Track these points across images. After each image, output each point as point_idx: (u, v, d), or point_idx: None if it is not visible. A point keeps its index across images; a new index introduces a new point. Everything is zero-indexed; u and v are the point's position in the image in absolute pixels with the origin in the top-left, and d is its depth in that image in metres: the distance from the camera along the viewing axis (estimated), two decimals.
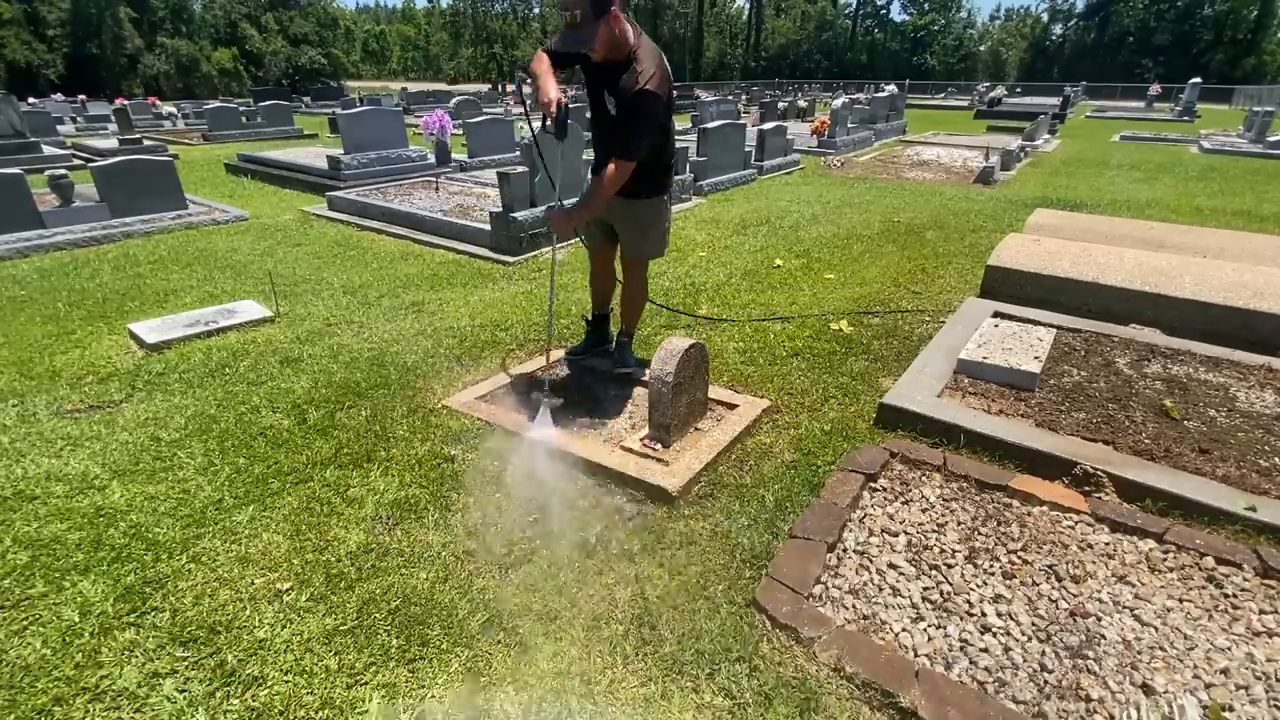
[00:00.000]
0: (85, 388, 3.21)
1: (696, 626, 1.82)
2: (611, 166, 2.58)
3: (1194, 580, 1.93)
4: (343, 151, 8.47)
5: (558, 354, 3.44)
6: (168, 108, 20.03)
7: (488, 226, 5.62)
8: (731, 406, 2.93)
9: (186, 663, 1.72)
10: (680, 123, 12.44)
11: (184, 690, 1.64)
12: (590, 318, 3.43)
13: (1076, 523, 2.17)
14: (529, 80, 2.68)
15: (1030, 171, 10.19)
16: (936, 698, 1.55)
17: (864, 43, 58.34)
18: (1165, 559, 2.00)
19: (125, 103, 18.47)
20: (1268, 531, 2.08)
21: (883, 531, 2.15)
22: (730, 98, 24.06)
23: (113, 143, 12.05)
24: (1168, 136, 15.31)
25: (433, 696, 1.63)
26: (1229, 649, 1.69)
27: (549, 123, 2.53)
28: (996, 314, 3.71)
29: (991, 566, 1.99)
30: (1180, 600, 1.86)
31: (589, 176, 2.94)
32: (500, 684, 1.66)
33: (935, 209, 7.17)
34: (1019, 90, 37.08)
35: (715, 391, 3.00)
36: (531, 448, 2.55)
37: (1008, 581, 1.93)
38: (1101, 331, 3.51)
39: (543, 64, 2.62)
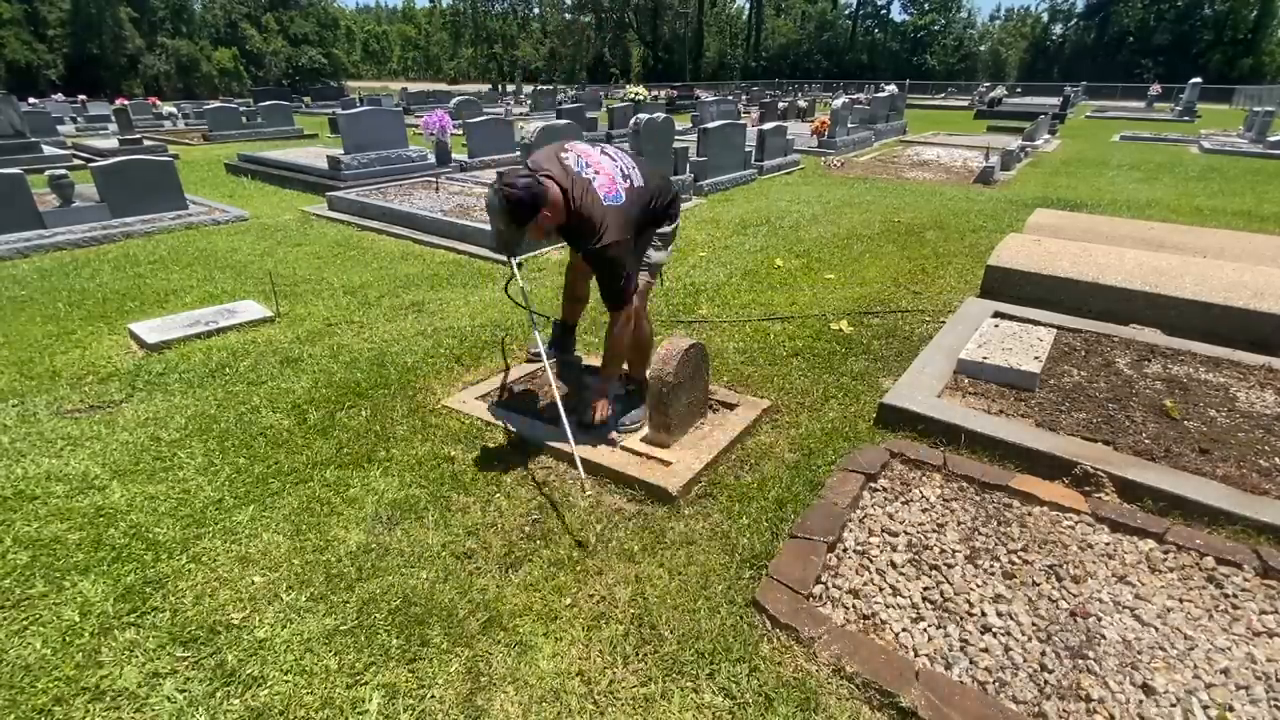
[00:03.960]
0: (85, 388, 3.21)
1: (696, 626, 1.82)
2: (615, 319, 2.57)
3: (1194, 580, 1.93)
4: (343, 151, 8.46)
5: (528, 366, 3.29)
6: (168, 108, 20.02)
7: (488, 226, 5.61)
8: (731, 406, 2.93)
9: (186, 663, 1.72)
10: (680, 123, 12.44)
11: (184, 690, 1.64)
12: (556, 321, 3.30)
13: (1077, 523, 2.17)
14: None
15: (1030, 171, 10.19)
16: (936, 698, 1.55)
17: (864, 43, 58.33)
18: (1165, 559, 2.00)
19: (125, 103, 18.46)
20: (1268, 531, 2.08)
21: (883, 531, 2.14)
22: (730, 98, 24.06)
23: (113, 143, 12.05)
24: (1168, 136, 15.30)
25: (433, 696, 1.63)
26: (1229, 649, 1.69)
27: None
28: (997, 314, 3.71)
29: (992, 566, 1.99)
30: (1180, 600, 1.85)
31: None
32: (500, 684, 1.66)
33: (935, 209, 7.17)
34: (1019, 90, 37.07)
35: (715, 391, 3.00)
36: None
37: (1008, 581, 1.93)
38: (1102, 331, 3.50)
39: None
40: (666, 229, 2.75)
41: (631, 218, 2.48)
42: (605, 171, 2.48)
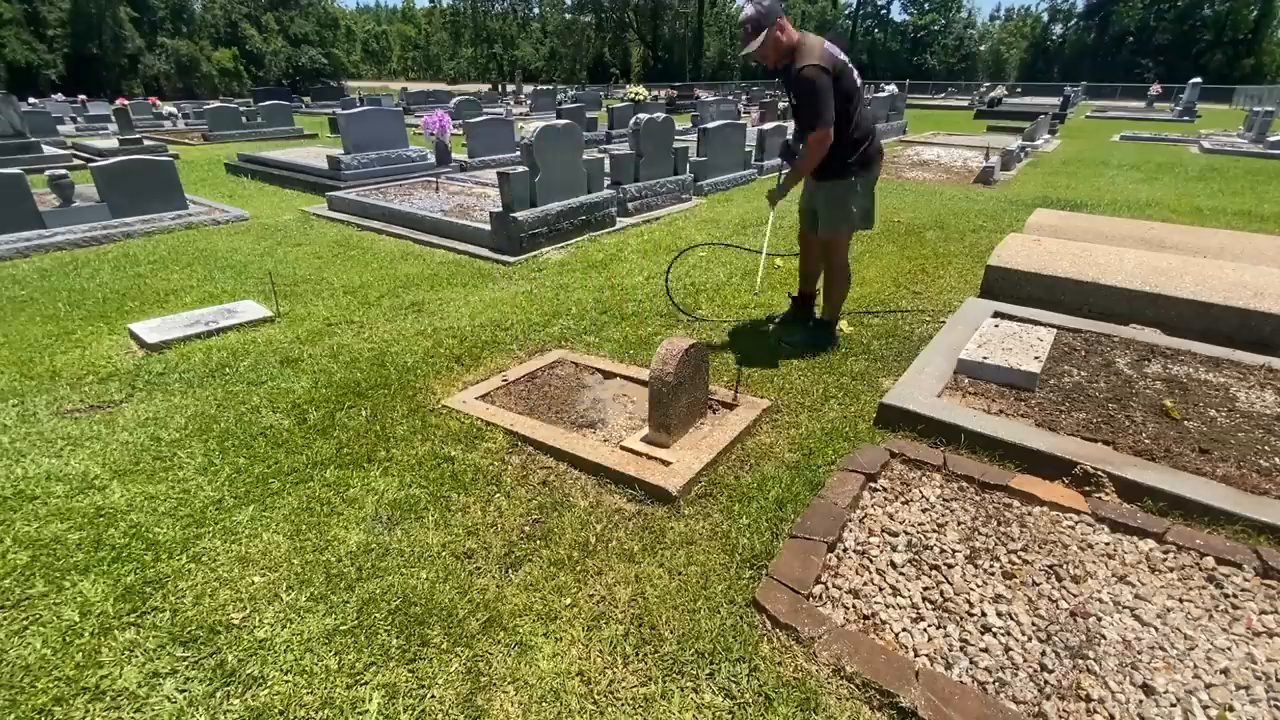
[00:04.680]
0: (85, 388, 3.21)
1: (696, 626, 1.82)
2: (809, 139, 3.10)
3: (1194, 580, 1.92)
4: (343, 151, 8.47)
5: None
6: (168, 108, 20.03)
7: (488, 226, 5.62)
8: (731, 406, 2.93)
9: (186, 663, 1.72)
10: (680, 123, 12.44)
11: (184, 690, 1.64)
12: (794, 295, 3.95)
13: (1077, 523, 2.17)
14: None
15: (1030, 171, 10.19)
16: (937, 698, 1.55)
17: (864, 42, 58.30)
18: (1165, 559, 2.00)
19: (125, 103, 18.46)
20: (1268, 531, 2.08)
21: (883, 531, 2.14)
22: (730, 98, 24.06)
23: (113, 143, 12.05)
24: (1168, 136, 15.30)
25: (433, 696, 1.63)
26: (1229, 649, 1.69)
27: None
28: (997, 314, 3.71)
29: (992, 566, 1.99)
30: (1180, 600, 1.85)
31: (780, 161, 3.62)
32: (500, 684, 1.66)
33: (935, 209, 7.17)
34: (1019, 90, 37.05)
35: (715, 391, 3.00)
36: None
37: (1008, 581, 1.93)
38: (1102, 331, 3.50)
39: None
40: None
41: (836, 69, 3.04)
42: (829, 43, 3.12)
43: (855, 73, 3.19)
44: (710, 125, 8.65)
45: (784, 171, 3.49)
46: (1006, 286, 4.08)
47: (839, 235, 3.44)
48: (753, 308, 4.26)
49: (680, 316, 4.10)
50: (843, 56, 3.12)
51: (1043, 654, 1.69)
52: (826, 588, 1.94)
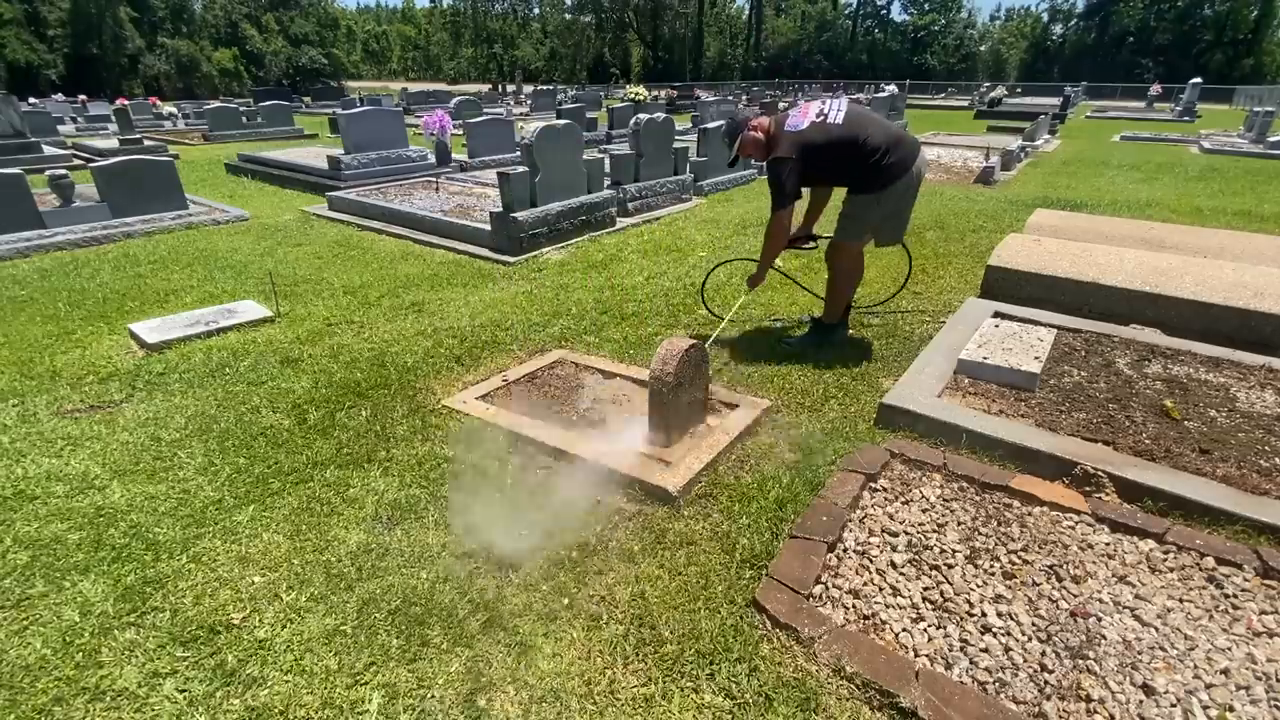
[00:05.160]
0: (85, 388, 3.21)
1: (696, 626, 1.81)
2: (769, 221, 3.33)
3: (1194, 580, 1.92)
4: (343, 152, 8.47)
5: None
6: (168, 108, 20.04)
7: (488, 226, 5.62)
8: (732, 406, 2.93)
9: (186, 663, 1.72)
10: (680, 123, 12.44)
11: (184, 690, 1.64)
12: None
13: (1077, 523, 2.17)
14: None
15: (1030, 172, 10.19)
16: (937, 698, 1.55)
17: (864, 43, 58.31)
18: (1166, 559, 2.00)
19: (125, 103, 18.47)
20: (1268, 531, 2.08)
21: (883, 531, 2.14)
22: (730, 98, 24.07)
23: (113, 143, 12.05)
24: (1168, 137, 15.29)
25: (433, 696, 1.63)
26: (1229, 649, 1.69)
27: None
28: (997, 314, 3.71)
29: (992, 567, 1.99)
30: (1181, 600, 1.85)
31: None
32: (500, 684, 1.66)
33: (935, 209, 7.17)
34: (1019, 90, 37.04)
35: (715, 391, 3.00)
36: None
37: (1008, 582, 1.93)
38: (1102, 331, 3.50)
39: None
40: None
41: (807, 140, 3.16)
42: (803, 107, 3.27)
43: (841, 113, 3.19)
44: (710, 125, 8.65)
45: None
46: (1007, 286, 4.08)
47: (848, 242, 3.45)
48: (753, 306, 4.26)
49: (680, 315, 4.10)
50: (833, 116, 3.18)
51: (1043, 654, 1.69)
52: (826, 588, 1.94)
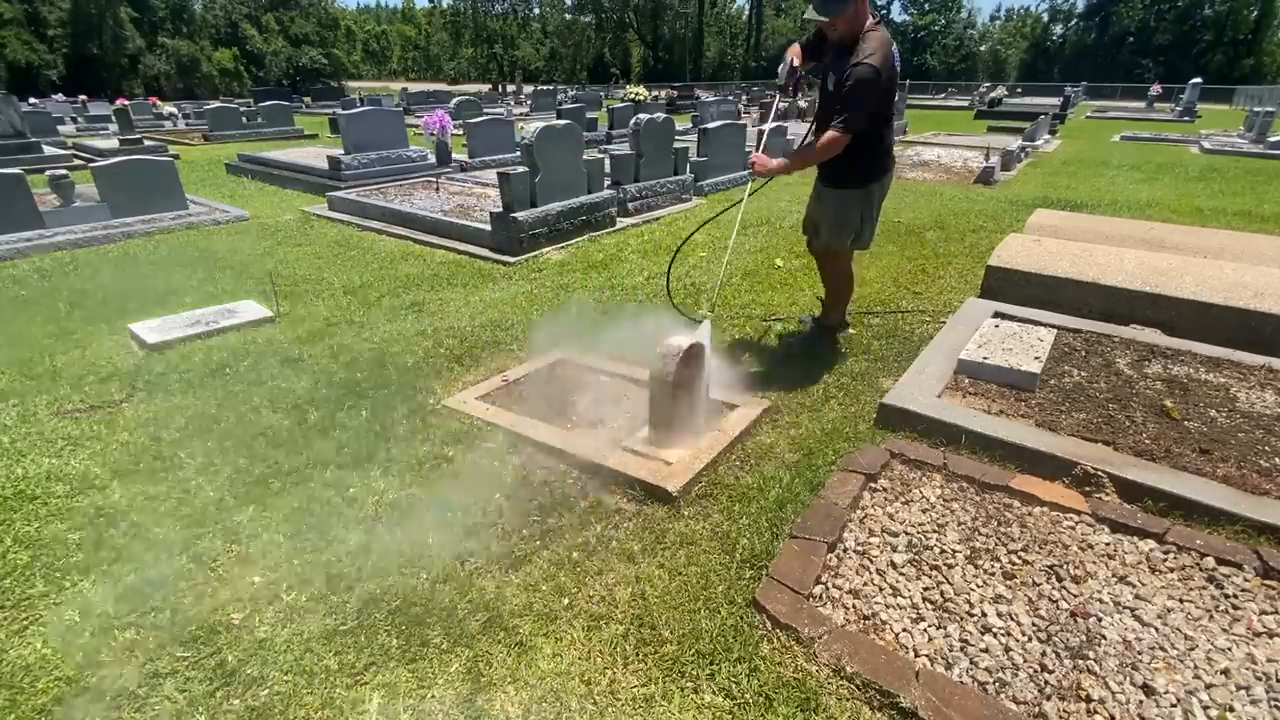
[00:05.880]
0: (86, 388, 3.21)
1: (696, 626, 1.81)
2: (827, 134, 2.92)
3: (1194, 581, 1.92)
4: (343, 152, 8.47)
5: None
6: (168, 108, 20.02)
7: (488, 227, 5.62)
8: (732, 406, 2.93)
9: (186, 663, 1.72)
10: (680, 123, 12.44)
11: (184, 690, 1.64)
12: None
13: (1077, 523, 2.17)
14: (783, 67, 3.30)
15: (1030, 172, 10.19)
16: (937, 698, 1.55)
17: None
18: (1166, 559, 2.00)
19: (126, 103, 18.46)
20: (1268, 531, 2.08)
21: (883, 532, 2.14)
22: (730, 98, 24.06)
23: (113, 143, 12.05)
24: (1168, 137, 15.29)
25: (433, 696, 1.63)
26: (1229, 649, 1.69)
27: (781, 75, 3.31)
28: (997, 314, 3.70)
29: (992, 567, 1.99)
30: (1181, 601, 1.85)
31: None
32: (500, 684, 1.66)
33: (935, 209, 7.17)
34: (1019, 90, 37.02)
35: (715, 392, 3.00)
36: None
37: (1008, 582, 1.93)
38: (1102, 332, 3.50)
39: (793, 49, 3.31)
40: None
41: (891, 78, 2.89)
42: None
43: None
44: (710, 125, 8.65)
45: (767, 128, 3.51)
46: (1007, 287, 4.08)
47: (841, 243, 3.40)
48: (753, 307, 4.26)
49: (681, 316, 4.10)
50: (897, 63, 2.99)
51: (1043, 654, 1.69)
52: (827, 588, 1.94)
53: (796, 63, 3.24)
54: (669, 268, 4.16)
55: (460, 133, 11.56)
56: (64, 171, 6.24)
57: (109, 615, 1.86)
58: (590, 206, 6.13)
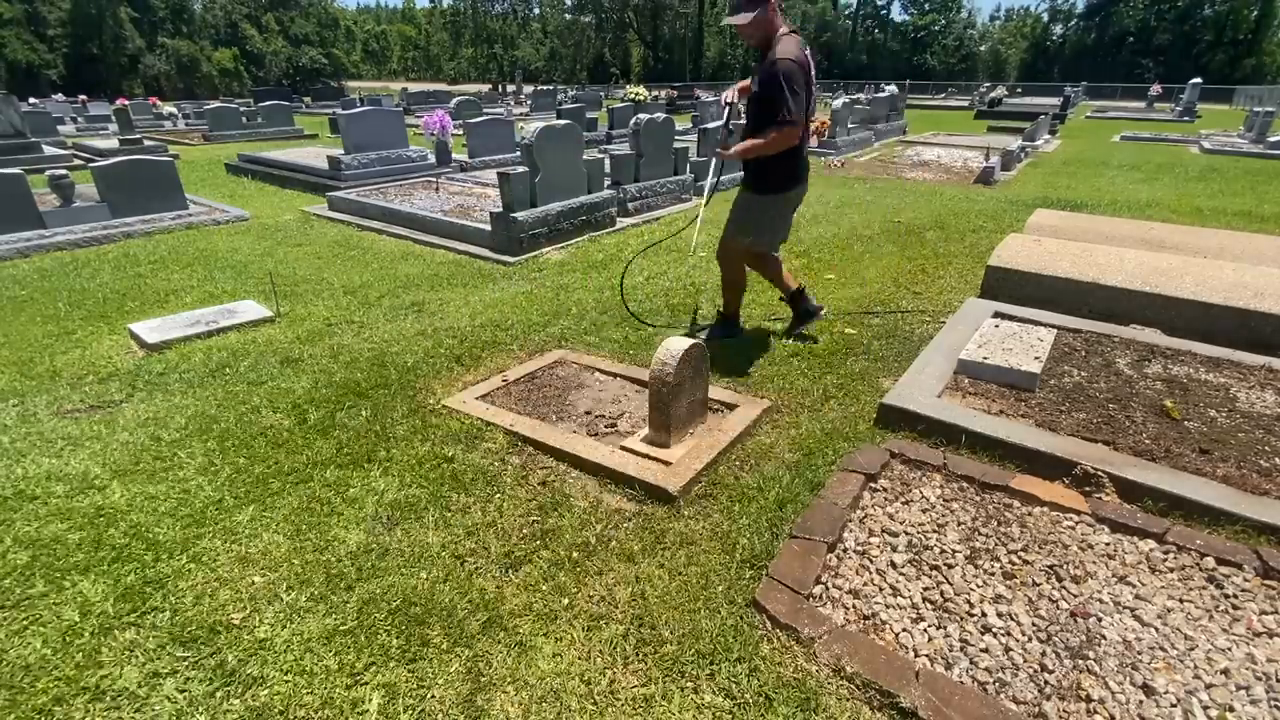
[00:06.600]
0: (85, 388, 3.21)
1: (696, 627, 1.81)
2: (773, 134, 3.04)
3: (1194, 581, 1.92)
4: (343, 152, 8.47)
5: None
6: (168, 108, 20.04)
7: (488, 227, 5.62)
8: (732, 406, 2.93)
9: (186, 663, 1.72)
10: (681, 123, 12.43)
11: (184, 690, 1.64)
12: (783, 298, 3.81)
13: (1077, 523, 2.17)
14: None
15: (1030, 172, 10.19)
16: (937, 698, 1.55)
17: (864, 43, 58.29)
18: (1166, 559, 2.00)
19: (126, 103, 18.45)
20: (1268, 531, 2.08)
21: (883, 532, 2.14)
22: None
23: (113, 143, 12.06)
24: (1168, 137, 15.30)
25: (433, 696, 1.63)
26: (1229, 649, 1.69)
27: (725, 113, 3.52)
28: (997, 314, 3.71)
29: (992, 567, 1.99)
30: (1181, 601, 1.85)
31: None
32: (500, 684, 1.66)
33: (935, 209, 7.17)
34: (1019, 90, 37.02)
35: (715, 391, 3.00)
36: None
37: (1008, 582, 1.93)
38: (1102, 332, 3.50)
39: (731, 89, 3.57)
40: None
41: (807, 73, 3.02)
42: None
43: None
44: (710, 125, 8.65)
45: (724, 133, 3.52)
46: (1007, 287, 4.08)
47: (737, 242, 3.47)
48: (753, 307, 4.26)
49: (682, 316, 4.10)
50: (813, 69, 3.12)
51: (1043, 654, 1.69)
52: (826, 588, 1.94)
53: (733, 98, 3.50)
54: (621, 279, 4.33)
55: (460, 133, 11.56)
56: (64, 171, 6.24)
57: (109, 615, 1.85)
58: (590, 206, 6.13)
